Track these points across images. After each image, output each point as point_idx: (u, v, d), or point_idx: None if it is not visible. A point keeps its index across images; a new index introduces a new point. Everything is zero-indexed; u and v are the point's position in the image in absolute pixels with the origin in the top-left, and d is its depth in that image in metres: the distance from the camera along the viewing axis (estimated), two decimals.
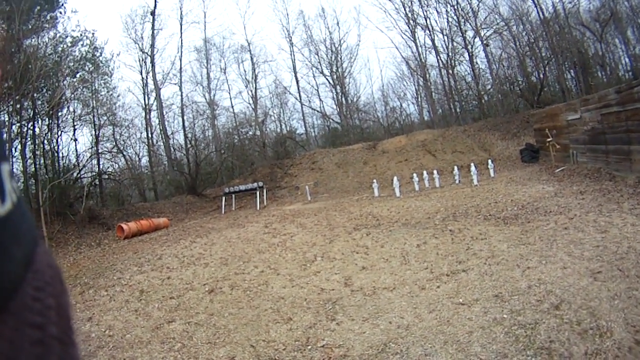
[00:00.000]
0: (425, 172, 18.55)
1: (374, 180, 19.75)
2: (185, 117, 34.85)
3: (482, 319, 4.84)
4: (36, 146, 25.60)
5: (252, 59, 39.11)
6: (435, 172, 18.23)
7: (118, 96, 31.03)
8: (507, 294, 5.34)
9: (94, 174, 27.76)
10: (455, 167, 18.41)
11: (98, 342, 6.33)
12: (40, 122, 25.06)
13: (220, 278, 8.70)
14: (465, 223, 9.70)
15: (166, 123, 34.08)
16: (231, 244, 12.26)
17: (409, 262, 7.61)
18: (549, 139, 16.70)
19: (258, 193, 23.73)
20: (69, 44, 25.57)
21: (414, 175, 18.68)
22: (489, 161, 18.30)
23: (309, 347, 5.01)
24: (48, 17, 24.52)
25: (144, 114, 33.81)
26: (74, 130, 28.02)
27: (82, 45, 26.46)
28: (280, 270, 8.59)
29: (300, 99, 39.55)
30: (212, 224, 17.67)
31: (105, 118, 28.69)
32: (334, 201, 19.50)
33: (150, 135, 34.01)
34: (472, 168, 16.31)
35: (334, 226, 12.55)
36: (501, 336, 4.38)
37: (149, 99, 34.21)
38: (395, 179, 17.71)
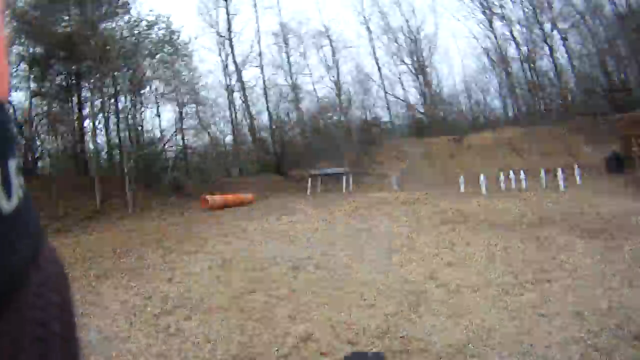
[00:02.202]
0: (512, 172, 18.53)
1: (461, 176, 19.70)
2: (268, 99, 34.49)
3: (561, 334, 4.73)
4: (119, 120, 27.94)
5: (331, 44, 37.55)
6: (522, 172, 18.22)
7: (199, 77, 31.03)
8: (587, 313, 5.17)
9: (180, 147, 29.27)
10: (542, 170, 18.30)
11: (176, 301, 6.77)
12: (124, 98, 27.07)
13: (304, 257, 8.99)
14: (551, 231, 9.59)
15: (249, 103, 34.31)
16: (316, 225, 12.74)
17: (495, 264, 7.63)
18: (634, 149, 15.99)
19: (344, 178, 23.58)
20: (145, 28, 25.95)
21: (501, 174, 18.65)
22: (576, 167, 18.05)
23: (389, 335, 5.07)
24: (120, 3, 25.49)
25: (226, 94, 34.25)
26: (157, 106, 29.45)
27: (159, 28, 26.60)
28: (365, 256, 8.81)
29: (384, 86, 38.80)
30: (297, 204, 17.88)
31: (187, 97, 28.83)
32: (420, 193, 18.81)
33: (235, 114, 34.55)
34: (559, 173, 16.29)
35: (419, 218, 12.65)
36: (576, 356, 4.25)
37: (230, 80, 34.58)
38: (482, 176, 17.94)
